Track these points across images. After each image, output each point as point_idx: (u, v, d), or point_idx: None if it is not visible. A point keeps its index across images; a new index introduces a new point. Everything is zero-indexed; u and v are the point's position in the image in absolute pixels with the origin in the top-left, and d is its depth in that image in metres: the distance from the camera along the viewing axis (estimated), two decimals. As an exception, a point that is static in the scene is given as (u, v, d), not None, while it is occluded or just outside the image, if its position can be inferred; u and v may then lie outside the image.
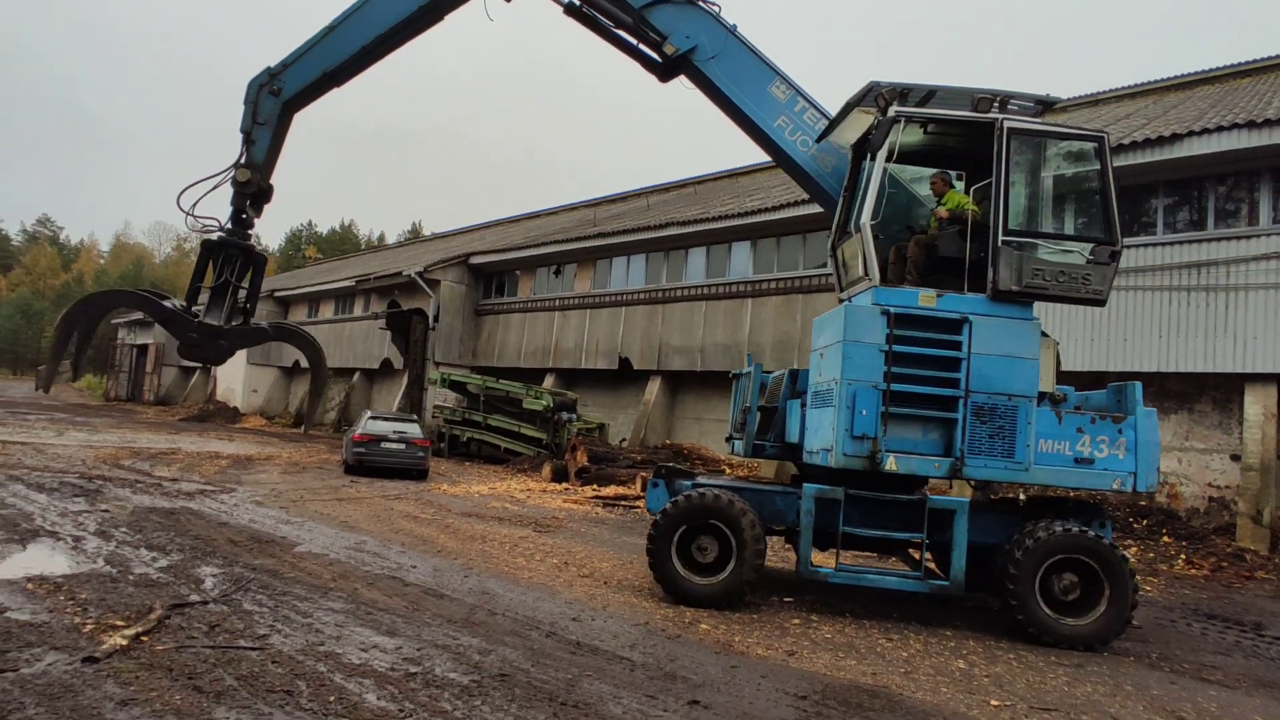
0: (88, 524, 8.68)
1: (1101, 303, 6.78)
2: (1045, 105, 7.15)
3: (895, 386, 6.55)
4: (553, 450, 19.75)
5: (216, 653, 4.71)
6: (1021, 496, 9.10)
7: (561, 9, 8.31)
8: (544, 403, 20.20)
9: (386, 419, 17.67)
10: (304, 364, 36.26)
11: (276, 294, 39.68)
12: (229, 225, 8.17)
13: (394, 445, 16.35)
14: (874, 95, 7.07)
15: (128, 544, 7.82)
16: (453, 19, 8.66)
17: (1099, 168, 6.79)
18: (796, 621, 6.71)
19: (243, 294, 8.24)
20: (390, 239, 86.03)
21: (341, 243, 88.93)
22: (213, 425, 31.15)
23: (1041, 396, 6.82)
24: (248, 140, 8.10)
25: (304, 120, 8.66)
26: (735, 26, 8.08)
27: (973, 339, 6.61)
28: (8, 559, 6.88)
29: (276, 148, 8.30)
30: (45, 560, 6.94)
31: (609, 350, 22.88)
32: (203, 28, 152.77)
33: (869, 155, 7.21)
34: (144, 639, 4.85)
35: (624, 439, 21.07)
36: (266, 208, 8.50)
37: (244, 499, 11.74)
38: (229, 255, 8.07)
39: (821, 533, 6.91)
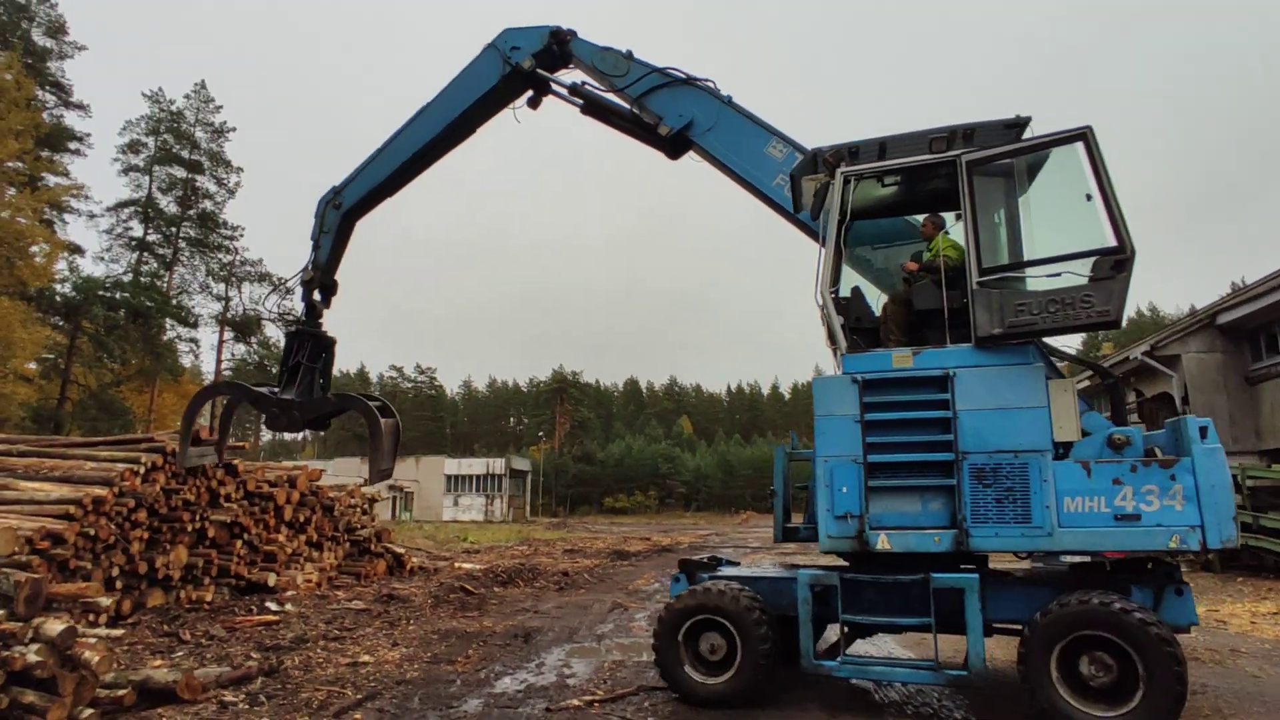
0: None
1: (1114, 323, 5.60)
2: (1017, 126, 6.21)
3: (873, 457, 5.96)
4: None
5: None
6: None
7: (579, 110, 8.74)
8: (1321, 490, 14.57)
9: None
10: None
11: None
12: (303, 317, 9.62)
13: (1071, 558, 14.36)
14: (820, 161, 6.74)
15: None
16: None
17: (1089, 166, 5.76)
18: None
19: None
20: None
21: (1140, 331, 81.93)
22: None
23: (1065, 447, 5.68)
24: (315, 246, 9.56)
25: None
26: (730, 97, 8.09)
27: (958, 394, 5.87)
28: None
29: (339, 251, 9.65)
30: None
31: None
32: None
33: (821, 221, 6.77)
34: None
35: None
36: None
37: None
38: (301, 342, 9.34)
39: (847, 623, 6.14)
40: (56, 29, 39.30)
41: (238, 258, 52.17)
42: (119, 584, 9.92)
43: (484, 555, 23.20)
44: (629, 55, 8.42)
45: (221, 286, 51.59)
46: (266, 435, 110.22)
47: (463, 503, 63.31)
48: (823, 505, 6.04)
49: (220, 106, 53.39)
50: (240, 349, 54.60)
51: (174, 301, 47.12)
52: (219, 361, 53.00)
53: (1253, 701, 6.40)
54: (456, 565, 18.96)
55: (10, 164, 31.76)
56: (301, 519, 13.82)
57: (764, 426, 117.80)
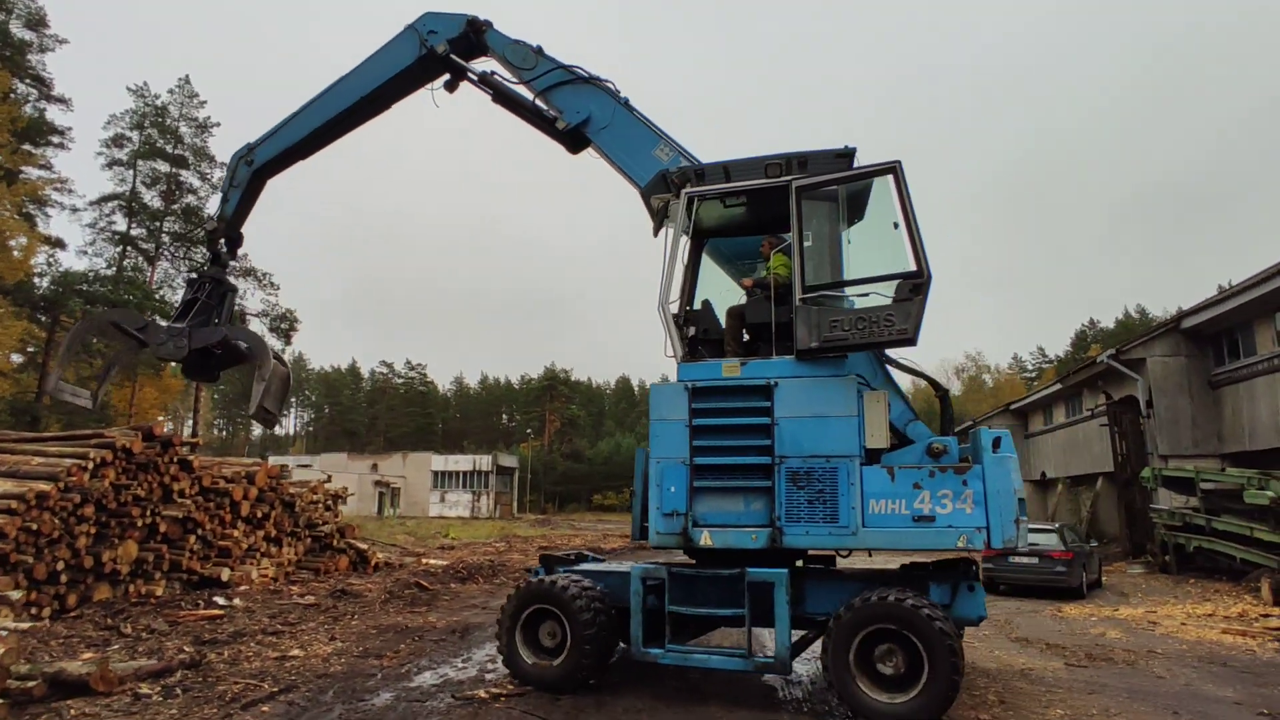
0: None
1: (910, 341, 5.96)
2: (845, 156, 6.67)
3: (699, 460, 6.40)
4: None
5: None
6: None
7: (490, 98, 9.00)
8: (1271, 494, 14.70)
9: None
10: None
11: (1011, 407, 39.37)
12: (207, 262, 10.23)
13: (1024, 559, 14.53)
14: (668, 181, 7.17)
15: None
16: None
17: (897, 197, 6.19)
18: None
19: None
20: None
21: (1127, 333, 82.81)
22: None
23: (875, 453, 6.17)
24: (224, 199, 10.03)
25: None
26: (627, 99, 8.32)
27: (779, 403, 6.31)
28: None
29: (247, 205, 10.16)
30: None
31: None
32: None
33: (667, 237, 7.04)
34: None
35: None
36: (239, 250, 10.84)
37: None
38: (200, 283, 9.88)
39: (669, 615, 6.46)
40: (36, 22, 38.98)
41: (223, 252, 51.81)
42: (64, 578, 9.99)
43: (457, 551, 23.31)
44: (539, 50, 8.74)
45: (206, 281, 51.28)
46: (256, 431, 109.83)
47: (449, 499, 63.35)
48: (653, 503, 6.48)
49: (205, 102, 53.06)
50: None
51: (157, 296, 46.93)
52: (203, 356, 52.63)
53: (1144, 702, 6.57)
54: (424, 561, 19.07)
55: (-12, 157, 31.68)
56: (259, 515, 13.90)
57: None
